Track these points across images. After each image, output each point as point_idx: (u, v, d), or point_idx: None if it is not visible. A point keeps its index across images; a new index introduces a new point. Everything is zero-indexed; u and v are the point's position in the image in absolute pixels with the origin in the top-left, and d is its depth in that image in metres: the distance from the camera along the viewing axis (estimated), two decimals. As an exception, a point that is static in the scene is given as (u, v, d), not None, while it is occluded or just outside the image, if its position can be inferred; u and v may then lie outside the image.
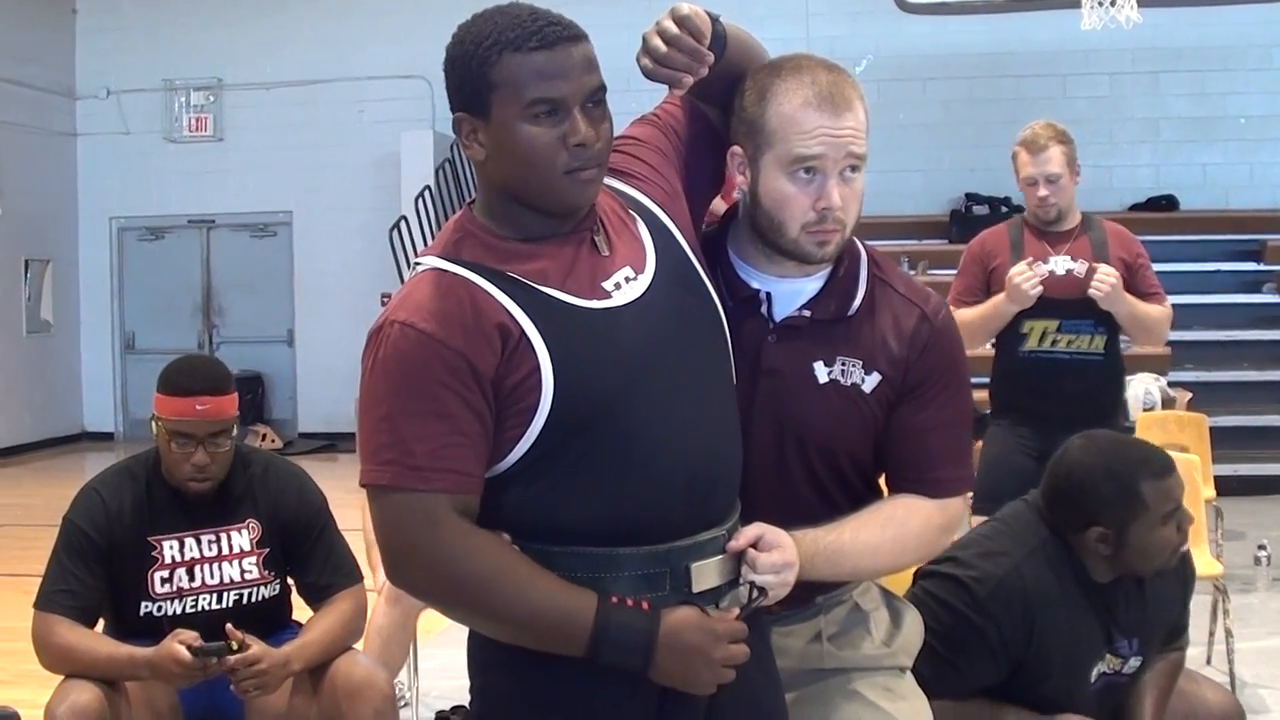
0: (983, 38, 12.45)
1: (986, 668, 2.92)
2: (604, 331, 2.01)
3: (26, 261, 14.17)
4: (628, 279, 2.07)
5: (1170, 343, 10.69)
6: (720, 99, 2.26)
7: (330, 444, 13.62)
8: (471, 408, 1.95)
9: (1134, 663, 3.09)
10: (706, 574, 2.06)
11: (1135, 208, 12.79)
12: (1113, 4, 8.12)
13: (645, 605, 1.99)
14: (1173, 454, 5.69)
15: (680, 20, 2.10)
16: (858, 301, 2.33)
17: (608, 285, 2.05)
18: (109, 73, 14.57)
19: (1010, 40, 12.53)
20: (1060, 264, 4.80)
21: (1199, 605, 5.76)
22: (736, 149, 2.28)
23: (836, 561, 2.22)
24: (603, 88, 2.03)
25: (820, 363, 2.29)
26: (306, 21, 14.06)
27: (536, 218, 2.06)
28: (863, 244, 2.38)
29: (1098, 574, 3.01)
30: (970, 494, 2.60)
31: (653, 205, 2.19)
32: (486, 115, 2.00)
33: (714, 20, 2.17)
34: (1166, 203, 12.70)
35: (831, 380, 2.29)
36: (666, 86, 2.17)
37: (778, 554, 2.09)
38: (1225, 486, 7.40)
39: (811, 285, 2.32)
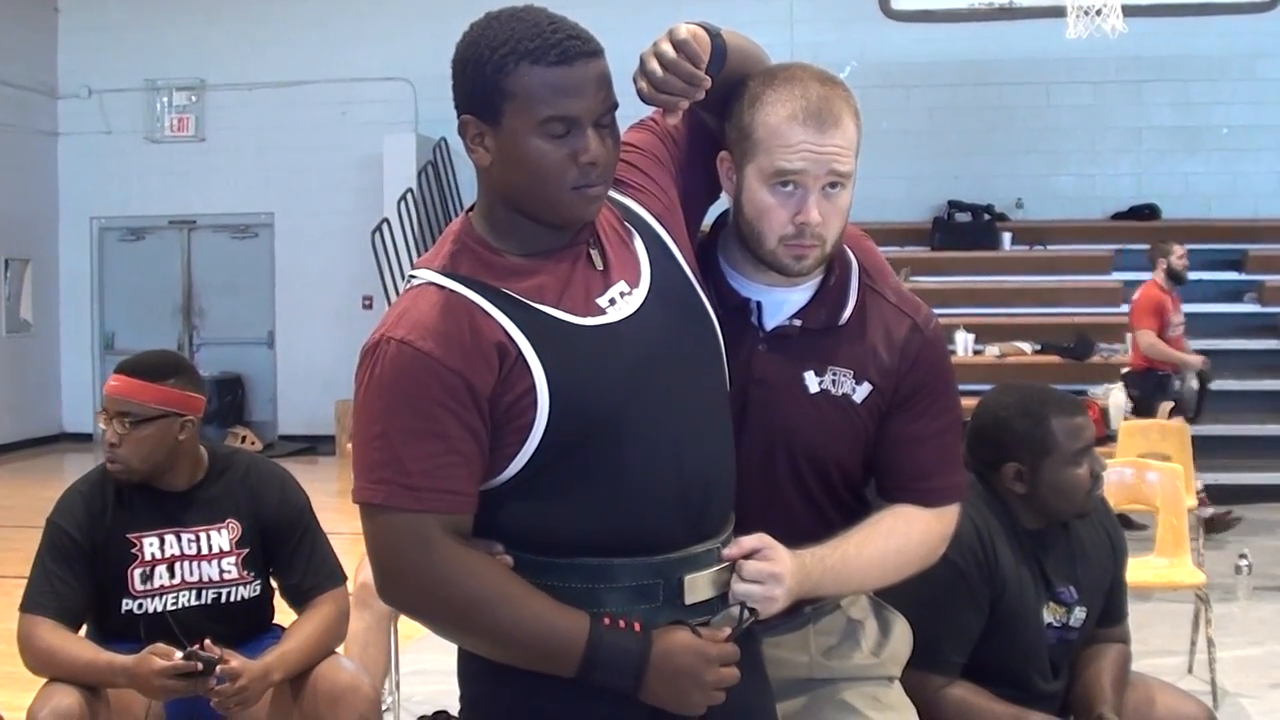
0: (967, 45, 12.49)
1: (970, 614, 3.00)
2: (599, 349, 2.00)
3: (6, 261, 14.15)
4: (623, 294, 2.06)
5: (1152, 351, 10.82)
6: (718, 106, 2.23)
7: (310, 446, 13.61)
8: (468, 427, 1.94)
9: (1079, 613, 3.16)
10: (700, 586, 2.05)
11: (1117, 216, 12.87)
12: (1098, 14, 8.12)
13: (637, 626, 1.98)
14: (1154, 463, 5.77)
15: (679, 44, 2.06)
16: (848, 311, 2.31)
17: (602, 301, 2.05)
18: (91, 72, 14.54)
19: (994, 48, 12.57)
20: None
21: (1181, 615, 5.83)
22: (725, 155, 2.27)
23: (842, 579, 2.22)
24: (615, 105, 2.02)
25: (811, 372, 2.28)
26: (290, 23, 14.04)
27: (537, 229, 2.04)
28: (854, 253, 2.37)
29: (1025, 520, 3.12)
30: None
31: (649, 217, 2.17)
32: (496, 122, 1.98)
33: (713, 36, 2.13)
34: (1149, 212, 12.75)
35: (822, 390, 2.28)
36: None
37: (766, 564, 2.07)
38: (1208, 496, 7.41)
39: (801, 294, 2.31)
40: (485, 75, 1.97)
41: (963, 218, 12.82)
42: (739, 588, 2.06)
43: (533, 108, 1.95)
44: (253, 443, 13.22)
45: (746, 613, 2.06)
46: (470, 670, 2.11)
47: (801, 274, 2.26)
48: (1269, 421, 11.15)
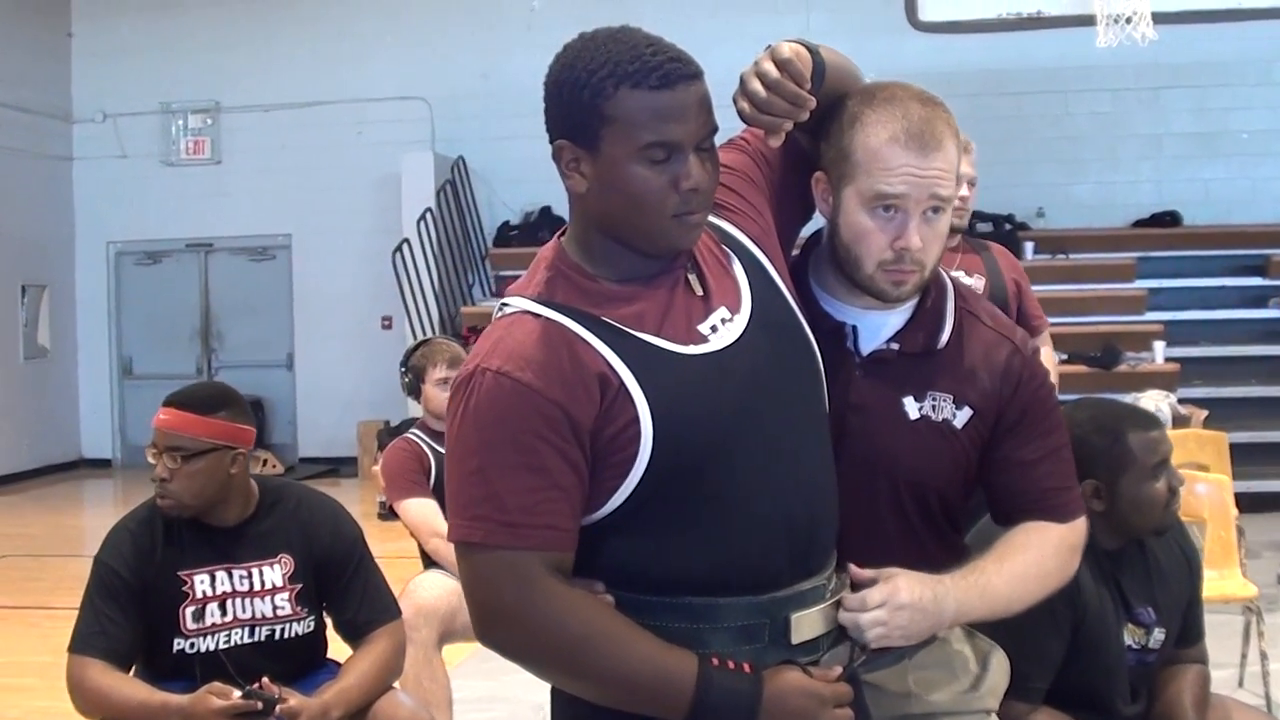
0: (985, 55, 12.43)
1: (1053, 639, 2.95)
2: (703, 378, 1.94)
3: (23, 287, 14.10)
4: (724, 320, 2.01)
5: (1177, 359, 10.77)
6: (813, 125, 2.16)
7: (333, 468, 13.54)
8: (568, 461, 1.88)
9: (1158, 635, 3.11)
10: (806, 625, 1.99)
11: (1138, 224, 12.82)
12: (1129, 21, 8.07)
13: (747, 667, 1.92)
14: (1202, 474, 5.69)
15: (782, 64, 1.99)
16: (946, 334, 2.26)
17: (704, 328, 1.99)
18: (105, 96, 14.51)
19: (1012, 57, 12.50)
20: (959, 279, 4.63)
21: (1230, 628, 5.75)
22: (820, 175, 2.21)
23: (989, 598, 2.15)
24: (716, 128, 1.96)
25: (910, 398, 2.22)
26: (304, 43, 13.99)
27: (635, 257, 1.99)
28: (948, 275, 2.32)
29: (1102, 540, 3.05)
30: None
31: (747, 241, 2.11)
32: (594, 148, 1.92)
33: (812, 53, 2.08)
34: (1170, 219, 12.70)
35: (922, 416, 2.22)
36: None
37: (887, 590, 2.01)
38: (1238, 504, 7.32)
39: (897, 318, 2.25)
40: (583, 100, 1.91)
41: (984, 227, 12.71)
42: (864, 617, 2.00)
43: (633, 133, 1.89)
44: (274, 466, 13.15)
45: (857, 650, 2.00)
46: (569, 714, 2.05)
47: (900, 300, 2.21)
48: (1298, 427, 11.07)
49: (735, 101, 2.03)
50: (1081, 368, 10.74)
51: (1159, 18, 8.25)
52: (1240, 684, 5.50)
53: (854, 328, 2.24)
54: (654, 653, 1.89)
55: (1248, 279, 12.29)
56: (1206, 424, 8.58)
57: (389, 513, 5.71)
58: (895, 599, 2.02)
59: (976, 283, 4.61)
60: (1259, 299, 12.19)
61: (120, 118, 14.47)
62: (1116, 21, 8.16)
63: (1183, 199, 12.79)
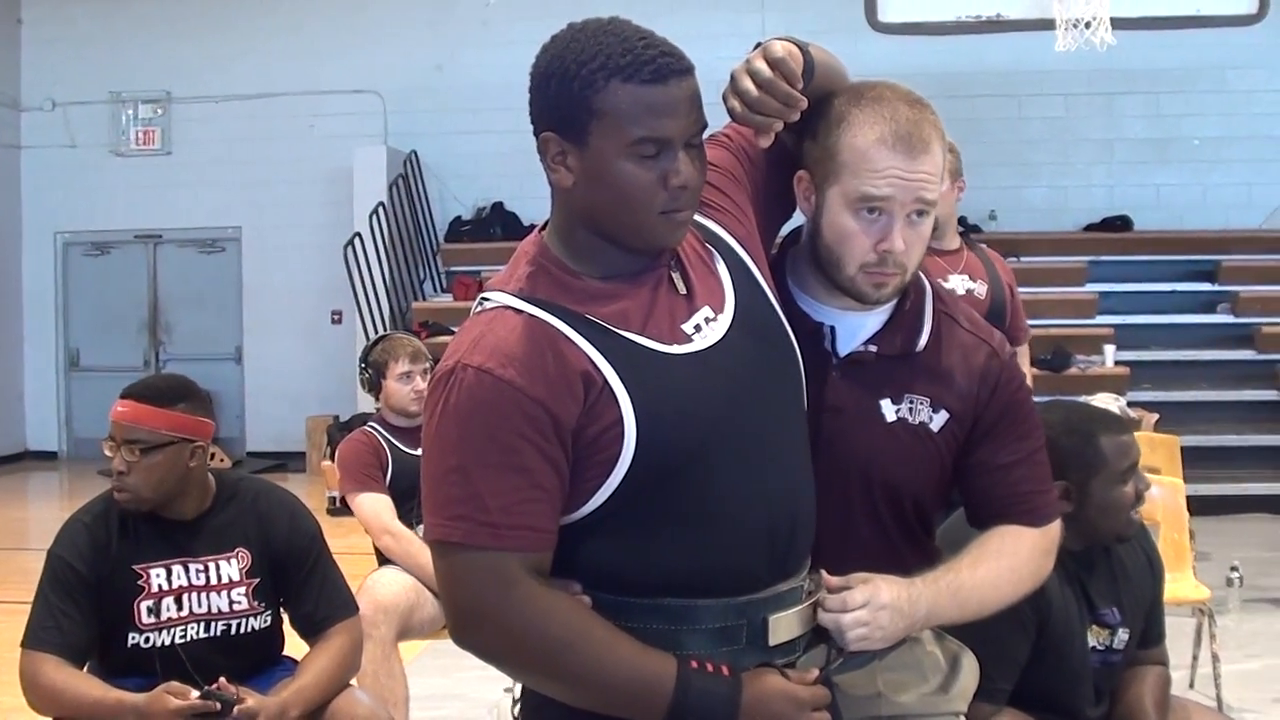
0: (938, 59, 12.45)
1: (1017, 640, 2.94)
2: (687, 379, 1.92)
3: (-32, 277, 13.90)
4: (707, 319, 1.98)
5: (1128, 362, 10.84)
6: (797, 123, 2.13)
7: (280, 463, 13.38)
8: (549, 460, 1.85)
9: (1122, 636, 3.11)
10: (784, 626, 1.98)
11: (1090, 228, 12.89)
12: (1087, 26, 8.11)
13: (725, 670, 1.90)
14: (1156, 477, 5.71)
15: (775, 63, 1.98)
16: (924, 337, 2.24)
17: (687, 327, 1.96)
18: (55, 84, 14.34)
19: (966, 61, 12.54)
20: (960, 283, 4.67)
21: (1181, 629, 5.77)
22: (803, 174, 2.18)
23: (960, 600, 2.14)
24: (705, 125, 1.94)
25: (888, 400, 2.20)
26: (257, 35, 13.87)
27: (619, 254, 1.96)
28: (927, 278, 2.30)
29: (1068, 541, 3.00)
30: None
31: (731, 239, 2.09)
32: (581, 142, 1.89)
33: (803, 51, 2.06)
34: (1121, 223, 12.80)
35: (899, 418, 2.20)
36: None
37: (868, 590, 2.00)
38: (1188, 507, 7.38)
39: (875, 319, 2.23)
40: (572, 92, 1.87)
41: (934, 229, 12.78)
42: (845, 618, 1.99)
43: (624, 128, 1.86)
44: (222, 460, 13.01)
45: (834, 652, 1.99)
46: (541, 717, 2.02)
47: (879, 302, 2.19)
48: (1246, 431, 11.18)
49: (725, 100, 2.01)
50: (1033, 370, 10.77)
51: (1117, 23, 8.29)
52: (1191, 685, 5.53)
53: (832, 328, 2.22)
54: (633, 655, 1.87)
55: (1197, 284, 12.41)
56: (1156, 428, 8.62)
57: (339, 508, 5.62)
58: (877, 599, 2.01)
59: (979, 288, 4.60)
60: (1208, 304, 12.29)
61: (70, 106, 14.30)
62: (1075, 26, 8.19)
63: (1134, 204, 12.89)
